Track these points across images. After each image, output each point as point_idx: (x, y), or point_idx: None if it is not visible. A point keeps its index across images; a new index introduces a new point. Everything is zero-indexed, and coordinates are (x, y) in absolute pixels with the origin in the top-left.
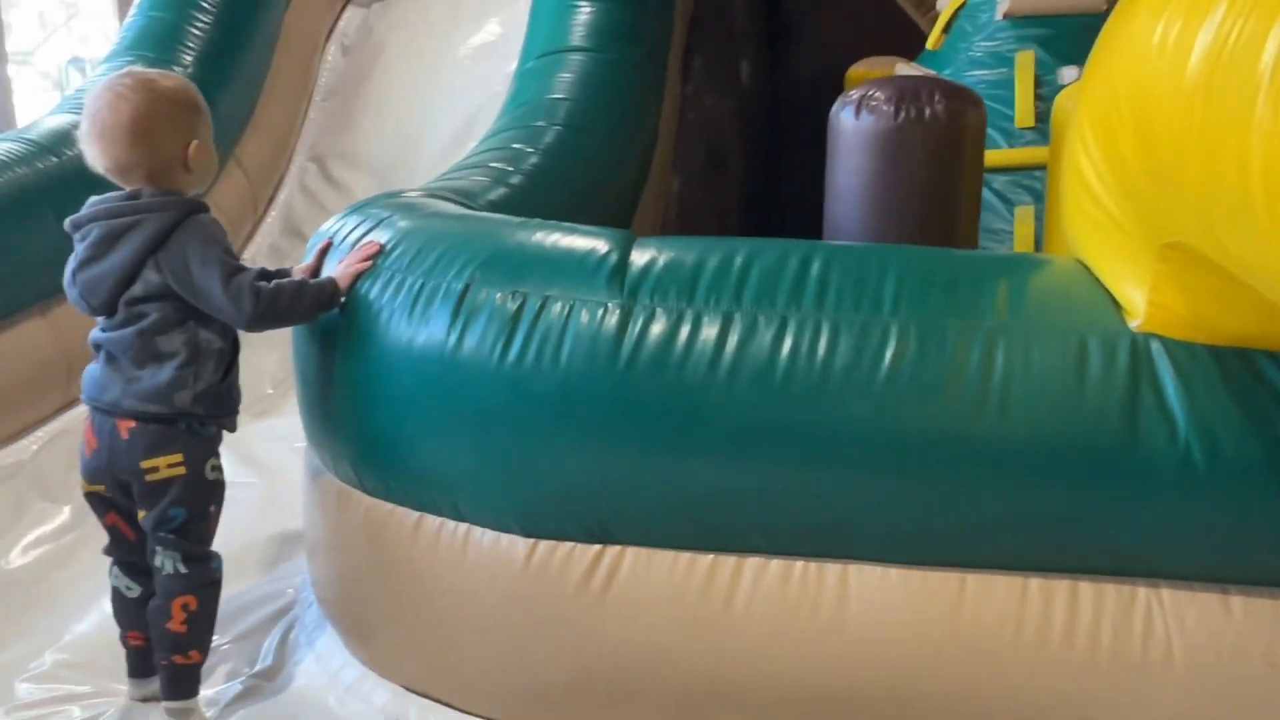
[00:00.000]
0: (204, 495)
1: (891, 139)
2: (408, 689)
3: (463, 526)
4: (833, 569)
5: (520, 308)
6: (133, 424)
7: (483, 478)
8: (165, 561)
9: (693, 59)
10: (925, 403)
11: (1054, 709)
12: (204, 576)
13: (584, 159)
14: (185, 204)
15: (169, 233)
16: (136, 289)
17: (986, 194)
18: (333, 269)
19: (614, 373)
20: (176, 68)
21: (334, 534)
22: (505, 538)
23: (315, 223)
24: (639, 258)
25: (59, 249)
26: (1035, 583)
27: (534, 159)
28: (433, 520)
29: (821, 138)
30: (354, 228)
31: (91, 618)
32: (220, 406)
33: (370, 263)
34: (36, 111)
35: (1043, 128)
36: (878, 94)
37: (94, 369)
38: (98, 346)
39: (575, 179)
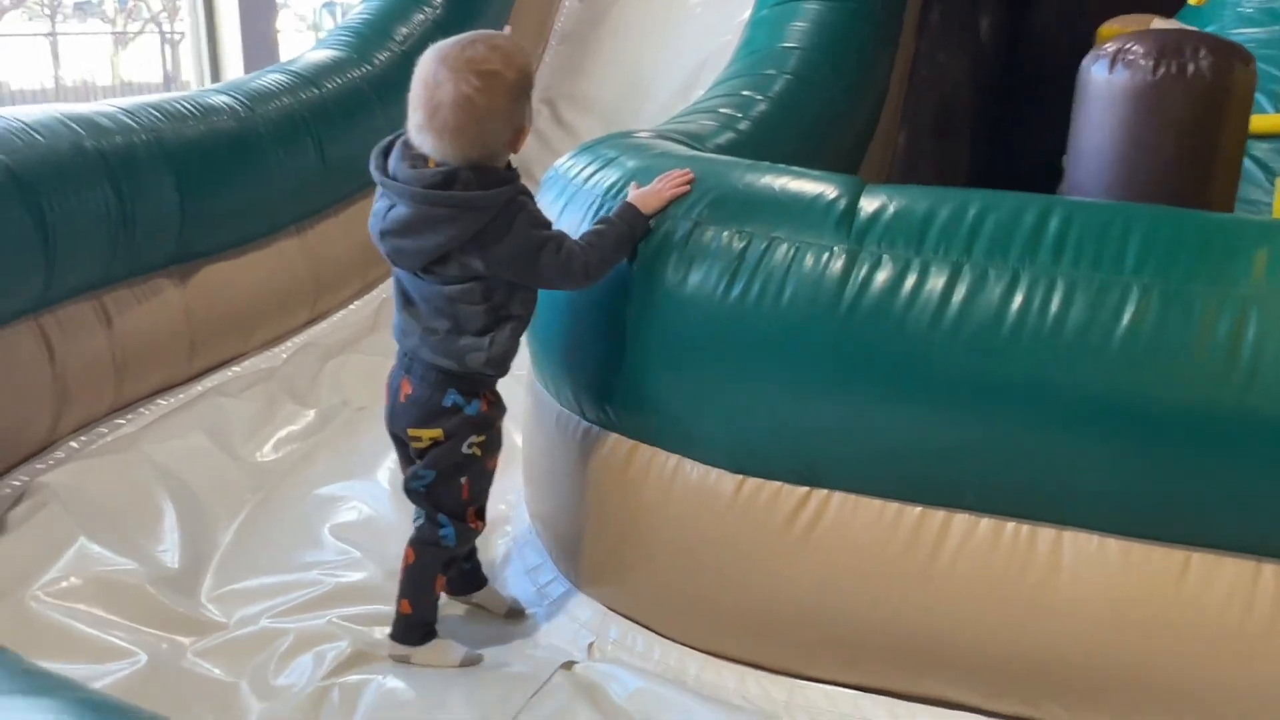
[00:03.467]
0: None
1: (1148, 96)
2: (610, 609)
3: (674, 458)
4: (1046, 533)
5: (746, 247)
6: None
7: (697, 412)
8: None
9: (930, 13)
10: (1163, 370)
11: None
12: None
13: (812, 109)
14: (505, 197)
15: (486, 227)
16: (449, 269)
17: (1246, 162)
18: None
19: (835, 317)
20: (426, 8)
21: (551, 457)
22: (714, 472)
23: (544, 163)
24: (868, 204)
25: (316, 174)
26: (1269, 569)
27: (762, 106)
28: (646, 450)
29: (1062, 102)
30: (584, 167)
31: (345, 514)
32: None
33: (689, 188)
34: (294, 51)
35: None
36: (1136, 47)
37: None
38: None
39: (802, 128)
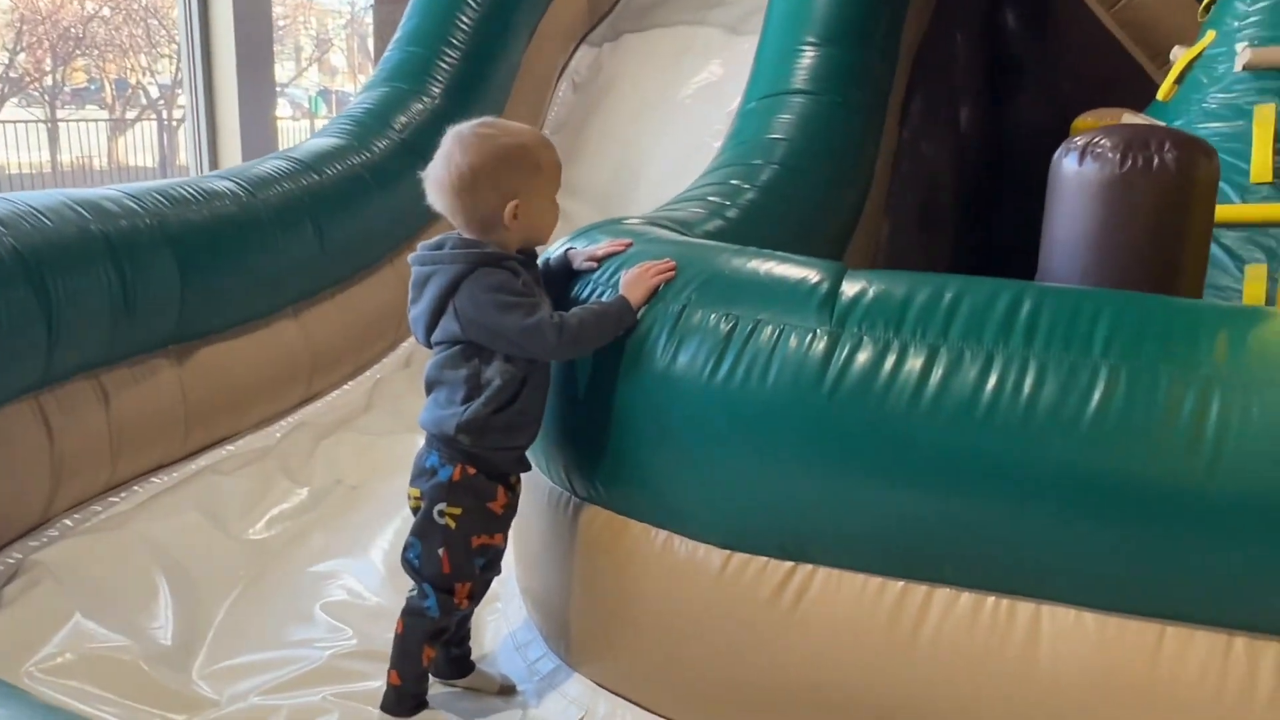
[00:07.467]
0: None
1: (1116, 188)
2: (599, 685)
3: (662, 534)
4: (1025, 607)
5: (732, 329)
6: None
7: (684, 489)
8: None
9: (912, 103)
10: (1131, 448)
11: None
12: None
13: (798, 199)
14: (477, 256)
15: (458, 283)
16: (436, 333)
17: (1215, 250)
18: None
19: (818, 397)
20: (425, 98)
21: (542, 534)
22: (702, 548)
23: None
24: (849, 288)
25: (314, 258)
26: (1240, 642)
27: (750, 195)
28: (635, 526)
29: (1044, 190)
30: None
31: (337, 592)
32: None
33: (673, 273)
34: (288, 138)
35: None
36: (1103, 141)
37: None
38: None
39: (788, 217)
